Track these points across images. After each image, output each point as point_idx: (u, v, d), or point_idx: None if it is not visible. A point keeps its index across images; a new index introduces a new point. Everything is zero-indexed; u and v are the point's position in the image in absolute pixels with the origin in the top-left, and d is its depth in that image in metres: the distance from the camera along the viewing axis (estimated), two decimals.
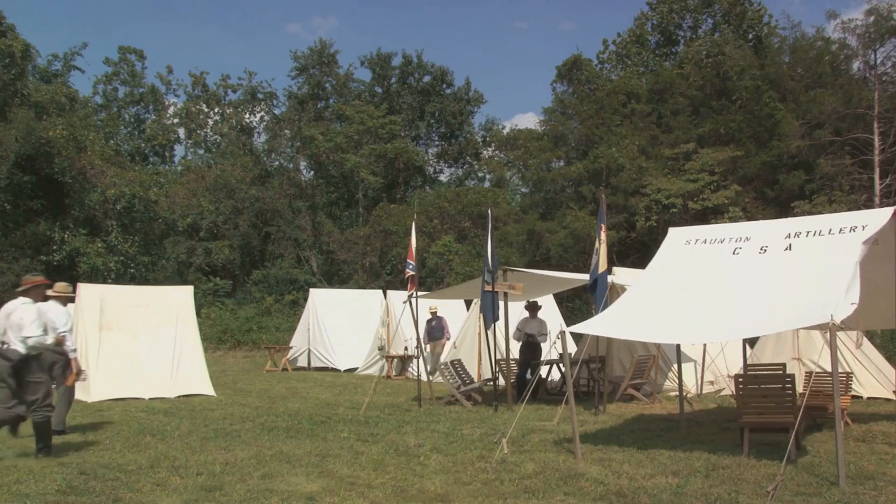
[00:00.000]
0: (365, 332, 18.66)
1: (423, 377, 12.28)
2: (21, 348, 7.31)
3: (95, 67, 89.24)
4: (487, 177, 41.47)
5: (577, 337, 11.65)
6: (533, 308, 13.07)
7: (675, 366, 10.41)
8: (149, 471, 6.74)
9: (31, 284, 7.61)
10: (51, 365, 8.50)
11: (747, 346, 11.11)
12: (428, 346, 16.01)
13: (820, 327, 7.75)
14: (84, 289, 13.32)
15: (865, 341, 12.27)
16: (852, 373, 10.68)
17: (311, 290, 21.11)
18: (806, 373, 10.40)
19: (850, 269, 6.92)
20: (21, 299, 7.50)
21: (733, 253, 8.24)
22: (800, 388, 8.49)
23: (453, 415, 10.49)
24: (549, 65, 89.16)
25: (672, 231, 9.23)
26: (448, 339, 16.11)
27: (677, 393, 10.17)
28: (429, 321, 16.25)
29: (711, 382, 12.93)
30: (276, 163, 42.05)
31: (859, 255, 6.97)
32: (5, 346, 7.36)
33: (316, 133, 36.53)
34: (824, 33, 28.95)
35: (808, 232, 7.94)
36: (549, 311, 16.47)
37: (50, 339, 7.63)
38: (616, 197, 26.77)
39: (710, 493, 5.88)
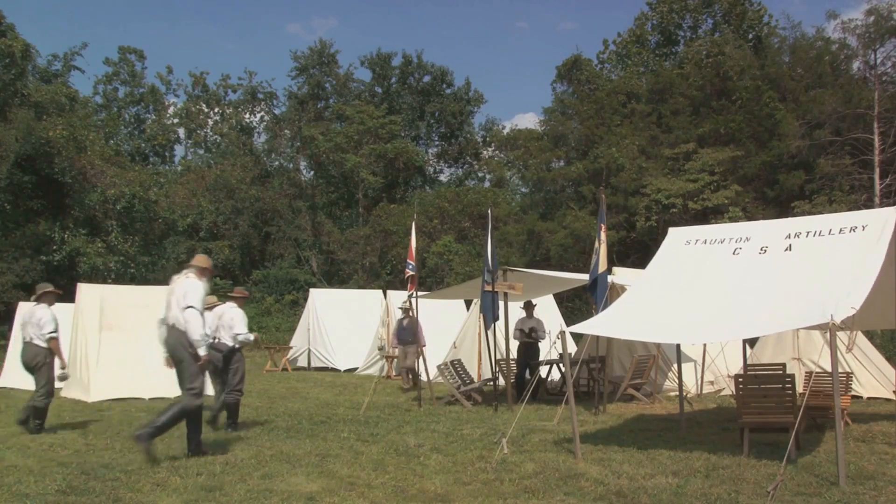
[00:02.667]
0: (365, 332, 18.66)
1: (424, 378, 12.28)
2: (230, 342, 9.12)
3: (95, 67, 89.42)
4: (487, 177, 41.49)
5: (577, 337, 11.65)
6: (528, 307, 13.07)
7: (675, 366, 10.41)
8: (149, 471, 6.74)
9: (240, 295, 9.65)
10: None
11: (747, 346, 11.10)
12: (397, 349, 14.74)
13: (820, 327, 7.75)
14: (84, 289, 13.33)
15: (866, 341, 12.26)
16: (852, 373, 10.67)
17: (311, 290, 21.11)
18: (806, 373, 10.40)
19: (857, 270, 6.92)
20: (229, 304, 9.35)
21: (733, 253, 8.24)
22: (800, 388, 8.49)
23: (453, 415, 10.49)
24: (549, 65, 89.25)
25: (672, 231, 9.23)
26: (424, 345, 13.86)
27: (677, 393, 10.17)
28: (400, 320, 14.65)
29: (711, 382, 12.93)
30: (276, 163, 42.08)
31: (880, 261, 6.97)
32: (217, 340, 9.04)
33: (316, 133, 36.54)
34: (824, 33, 29.00)
35: (808, 232, 7.93)
36: (550, 311, 16.47)
37: (251, 337, 9.40)
38: (616, 197, 26.77)
39: (710, 493, 5.88)
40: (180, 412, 7.26)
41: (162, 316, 7.54)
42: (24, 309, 8.91)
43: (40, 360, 8.98)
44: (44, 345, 8.97)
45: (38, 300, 9.17)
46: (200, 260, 7.75)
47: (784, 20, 47.07)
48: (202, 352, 7.22)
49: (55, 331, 9.04)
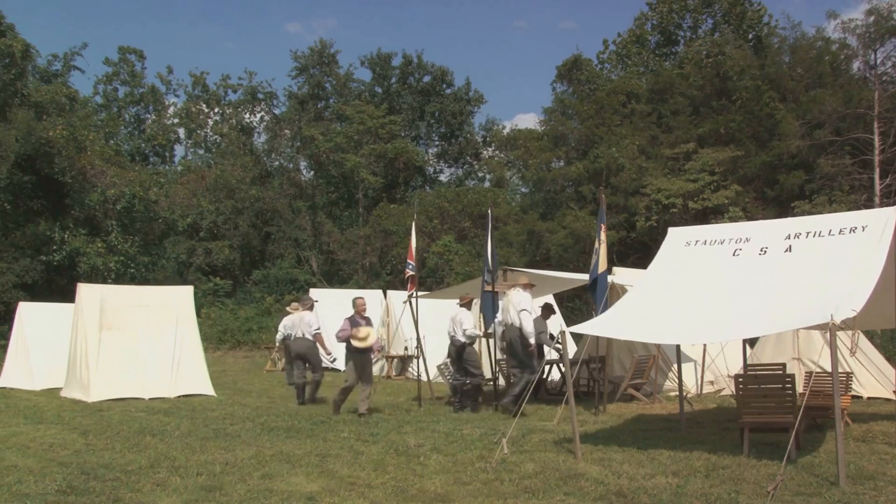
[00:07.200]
0: None
1: (423, 377, 12.27)
2: (462, 338, 10.93)
3: (95, 67, 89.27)
4: (487, 177, 41.46)
5: (577, 337, 11.65)
6: (548, 309, 12.38)
7: (675, 366, 10.40)
8: (149, 471, 6.74)
9: (468, 300, 11.25)
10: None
11: (747, 346, 11.10)
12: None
13: (820, 327, 7.75)
14: (84, 289, 13.33)
15: (866, 341, 12.25)
16: (852, 373, 10.66)
17: (311, 290, 21.10)
18: (806, 373, 10.40)
19: (858, 271, 6.91)
20: (458, 307, 11.14)
21: (733, 254, 8.23)
22: (800, 388, 8.48)
23: (453, 415, 10.49)
24: (549, 65, 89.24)
25: (672, 231, 9.22)
26: (332, 360, 12.00)
27: (677, 393, 10.17)
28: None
29: (711, 382, 12.92)
30: (276, 163, 42.07)
31: (881, 261, 6.97)
32: (454, 336, 11.03)
33: (316, 133, 36.52)
34: (824, 33, 28.93)
35: (808, 233, 7.93)
36: None
37: (479, 332, 11.17)
38: (616, 197, 26.76)
39: (710, 493, 5.88)
40: (525, 384, 9.82)
41: (499, 318, 10.56)
42: (294, 315, 12.82)
43: (311, 350, 11.96)
44: (312, 338, 11.97)
45: (302, 306, 12.53)
46: (524, 279, 10.97)
47: (784, 20, 47.03)
48: (531, 340, 10.10)
49: (319, 328, 12.24)
